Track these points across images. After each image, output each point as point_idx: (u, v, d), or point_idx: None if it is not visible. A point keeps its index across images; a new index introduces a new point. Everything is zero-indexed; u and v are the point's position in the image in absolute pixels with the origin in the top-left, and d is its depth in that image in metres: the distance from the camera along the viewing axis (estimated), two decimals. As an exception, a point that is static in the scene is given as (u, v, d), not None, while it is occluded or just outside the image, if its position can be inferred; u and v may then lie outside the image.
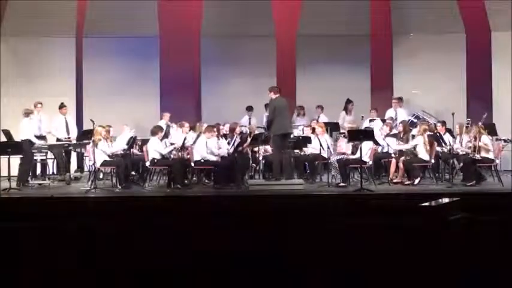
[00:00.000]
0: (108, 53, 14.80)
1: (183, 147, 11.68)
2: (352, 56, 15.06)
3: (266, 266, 4.47)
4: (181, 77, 14.87)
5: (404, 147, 11.83)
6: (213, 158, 11.56)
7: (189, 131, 12.33)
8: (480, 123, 11.81)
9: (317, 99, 14.30)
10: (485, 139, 11.55)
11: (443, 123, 12.55)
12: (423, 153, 11.62)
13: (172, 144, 11.82)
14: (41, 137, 12.54)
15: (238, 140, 11.91)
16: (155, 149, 11.48)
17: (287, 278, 4.46)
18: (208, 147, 11.58)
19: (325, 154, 11.89)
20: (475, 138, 11.53)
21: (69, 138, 12.92)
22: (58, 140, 12.86)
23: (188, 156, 11.75)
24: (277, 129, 11.27)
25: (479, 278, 4.42)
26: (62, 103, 13.10)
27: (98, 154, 11.34)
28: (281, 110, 11.36)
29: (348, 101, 14.27)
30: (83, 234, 4.76)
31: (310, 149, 12.15)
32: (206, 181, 12.03)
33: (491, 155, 11.55)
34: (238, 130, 12.42)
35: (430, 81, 14.80)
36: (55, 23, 14.42)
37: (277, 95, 11.45)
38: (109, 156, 11.53)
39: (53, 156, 12.57)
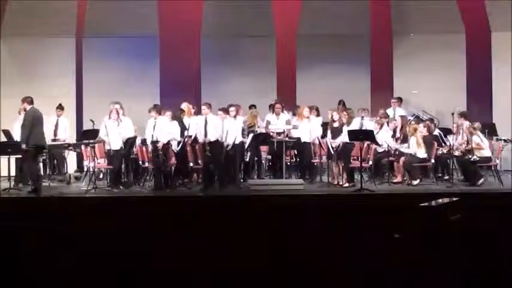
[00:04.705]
0: (108, 53, 14.79)
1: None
2: (352, 56, 15.05)
3: (266, 266, 4.47)
4: (181, 77, 14.87)
5: (403, 150, 11.80)
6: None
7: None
8: (467, 124, 11.87)
9: (317, 100, 14.26)
10: (476, 139, 11.53)
11: (432, 121, 12.62)
12: (420, 152, 11.62)
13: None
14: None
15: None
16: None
17: (287, 279, 4.46)
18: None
19: (308, 139, 11.95)
20: (467, 142, 11.55)
21: (57, 140, 12.77)
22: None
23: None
24: (33, 141, 10.97)
25: (479, 277, 4.42)
26: (60, 104, 13.02)
27: (115, 136, 11.37)
28: (38, 121, 11.08)
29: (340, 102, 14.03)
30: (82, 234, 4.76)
31: (298, 133, 12.10)
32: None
33: (486, 153, 11.53)
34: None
35: (430, 81, 14.79)
36: (55, 23, 14.42)
37: (32, 105, 11.14)
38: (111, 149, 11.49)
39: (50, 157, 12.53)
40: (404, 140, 12.04)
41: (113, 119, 11.46)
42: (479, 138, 11.56)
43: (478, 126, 11.75)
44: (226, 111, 11.58)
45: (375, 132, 12.45)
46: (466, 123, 12.05)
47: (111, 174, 11.56)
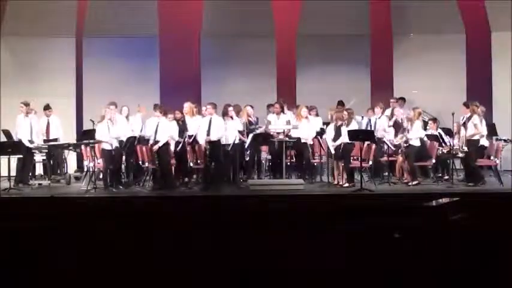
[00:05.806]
0: (108, 53, 14.80)
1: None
2: (352, 56, 15.05)
3: (266, 266, 4.47)
4: (182, 76, 14.86)
5: (408, 136, 11.65)
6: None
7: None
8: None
9: (317, 100, 14.27)
10: (476, 119, 11.44)
11: (435, 120, 12.60)
12: (416, 140, 11.57)
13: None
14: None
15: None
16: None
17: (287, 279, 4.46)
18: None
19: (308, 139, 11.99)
20: (464, 124, 11.47)
21: (48, 140, 12.71)
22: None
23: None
24: None
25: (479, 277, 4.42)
26: (47, 105, 12.92)
27: (105, 135, 11.27)
28: None
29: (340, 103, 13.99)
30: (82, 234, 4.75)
31: (297, 133, 12.09)
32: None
33: (478, 136, 11.46)
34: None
35: (430, 81, 14.80)
36: (55, 23, 14.43)
37: None
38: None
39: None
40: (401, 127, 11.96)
41: (106, 119, 11.41)
42: (478, 119, 11.49)
43: (482, 109, 11.77)
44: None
45: (377, 117, 12.47)
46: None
47: (111, 174, 11.52)
